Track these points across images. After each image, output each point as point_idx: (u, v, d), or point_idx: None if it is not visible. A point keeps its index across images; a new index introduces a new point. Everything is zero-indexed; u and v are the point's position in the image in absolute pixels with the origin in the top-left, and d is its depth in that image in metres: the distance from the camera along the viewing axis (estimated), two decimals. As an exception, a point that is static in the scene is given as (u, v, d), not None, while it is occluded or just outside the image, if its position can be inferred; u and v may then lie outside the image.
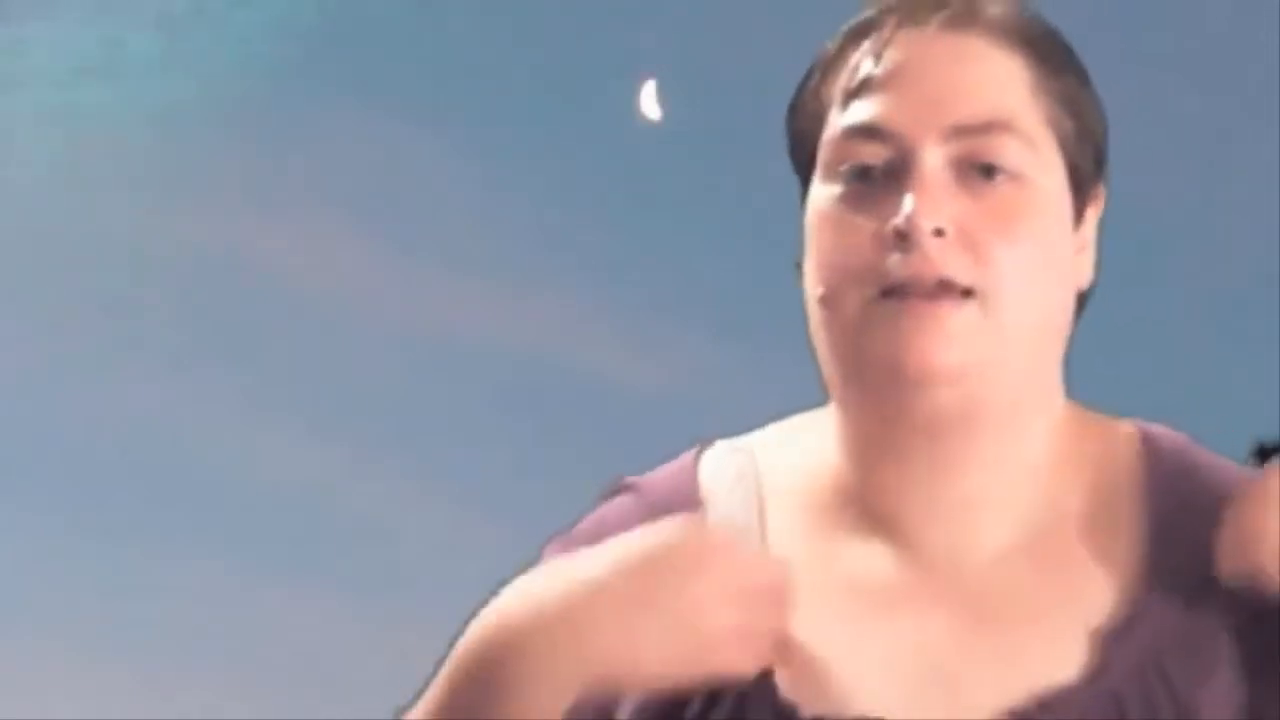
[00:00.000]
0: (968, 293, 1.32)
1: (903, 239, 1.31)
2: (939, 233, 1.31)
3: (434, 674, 1.36)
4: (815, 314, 1.38)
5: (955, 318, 1.31)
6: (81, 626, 4.65)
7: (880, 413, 1.36)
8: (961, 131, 1.33)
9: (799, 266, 1.42)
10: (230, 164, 4.65)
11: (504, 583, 1.35)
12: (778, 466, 1.44)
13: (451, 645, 1.34)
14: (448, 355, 4.71)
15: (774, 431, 1.49)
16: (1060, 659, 1.33)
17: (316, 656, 4.58)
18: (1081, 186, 1.39)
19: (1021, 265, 1.33)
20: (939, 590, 1.36)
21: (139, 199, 4.65)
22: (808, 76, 1.42)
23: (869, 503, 1.39)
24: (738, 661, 1.31)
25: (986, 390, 1.34)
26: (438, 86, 4.70)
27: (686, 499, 1.42)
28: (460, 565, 4.47)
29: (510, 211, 4.67)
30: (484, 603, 1.34)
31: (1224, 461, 1.41)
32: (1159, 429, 1.44)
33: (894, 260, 1.32)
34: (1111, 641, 1.33)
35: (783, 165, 1.45)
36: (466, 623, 1.34)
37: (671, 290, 4.65)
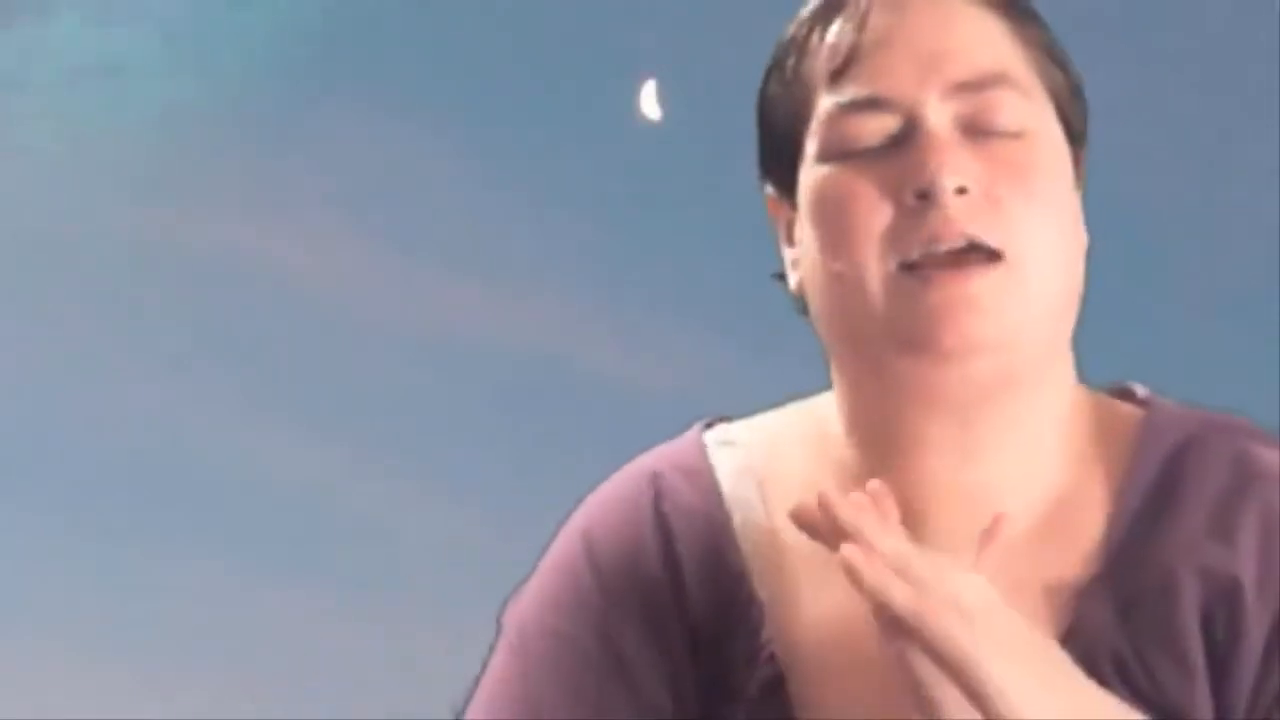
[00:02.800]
0: (993, 256, 1.28)
1: (924, 200, 1.27)
2: (961, 191, 1.28)
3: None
4: (828, 294, 1.33)
5: (985, 286, 1.27)
6: (81, 626, 4.65)
7: (906, 393, 1.31)
8: (962, 88, 1.30)
9: (781, 278, 1.39)
10: (230, 164, 4.65)
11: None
12: (777, 459, 1.41)
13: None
14: (448, 355, 4.71)
15: (766, 421, 1.45)
16: None
17: (316, 656, 4.57)
18: (1075, 144, 1.36)
19: (1041, 223, 1.30)
20: None
21: (139, 199, 4.65)
22: (776, 66, 1.38)
23: None
24: None
25: (1019, 358, 1.30)
26: (438, 86, 4.70)
27: (706, 483, 1.40)
28: (460, 565, 4.46)
29: (510, 211, 4.67)
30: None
31: (1236, 434, 1.37)
32: (1165, 408, 1.40)
33: (917, 226, 1.28)
34: (1087, 635, 1.31)
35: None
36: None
37: (671, 290, 4.65)
